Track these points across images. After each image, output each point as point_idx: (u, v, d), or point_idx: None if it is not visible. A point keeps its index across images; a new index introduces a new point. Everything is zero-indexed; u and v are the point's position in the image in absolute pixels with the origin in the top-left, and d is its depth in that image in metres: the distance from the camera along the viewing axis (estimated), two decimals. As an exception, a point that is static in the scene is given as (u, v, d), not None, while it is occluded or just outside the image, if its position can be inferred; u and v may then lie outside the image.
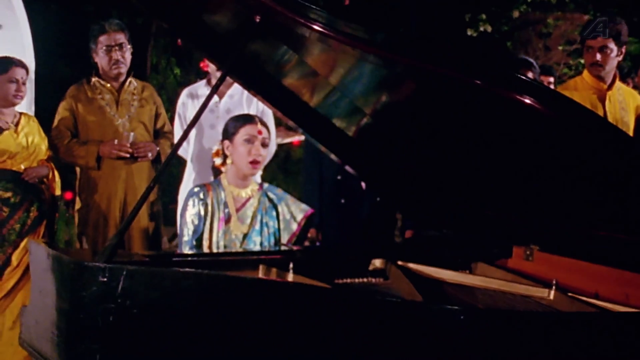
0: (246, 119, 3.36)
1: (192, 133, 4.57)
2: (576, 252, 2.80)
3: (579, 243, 2.75)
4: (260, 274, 2.79)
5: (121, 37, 4.30)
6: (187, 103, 4.65)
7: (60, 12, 8.07)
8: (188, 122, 4.55)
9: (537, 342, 1.97)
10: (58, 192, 4.20)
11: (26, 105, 4.45)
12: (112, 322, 2.32)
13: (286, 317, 2.18)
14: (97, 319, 2.34)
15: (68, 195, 5.05)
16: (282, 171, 9.16)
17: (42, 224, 4.10)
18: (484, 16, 10.09)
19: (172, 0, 2.84)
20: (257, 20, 2.59)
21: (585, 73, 4.37)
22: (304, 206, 3.41)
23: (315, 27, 2.43)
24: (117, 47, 4.28)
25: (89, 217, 4.31)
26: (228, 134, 3.33)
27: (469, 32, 10.21)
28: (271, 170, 8.79)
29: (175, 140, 4.61)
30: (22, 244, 3.98)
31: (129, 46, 4.35)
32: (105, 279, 2.32)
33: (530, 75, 5.04)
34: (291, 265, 2.71)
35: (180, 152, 4.66)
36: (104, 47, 4.27)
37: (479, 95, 2.35)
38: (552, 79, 5.60)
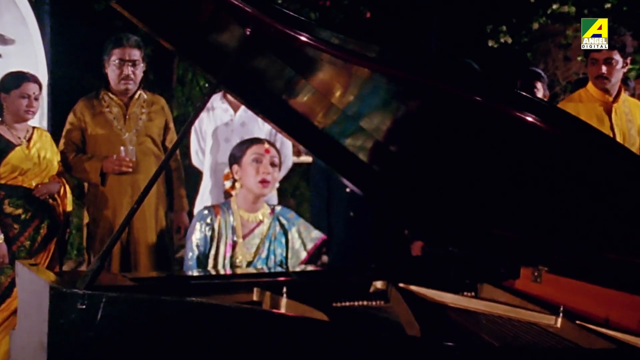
0: (252, 141, 3.33)
1: (208, 146, 4.53)
2: (586, 274, 2.70)
3: (590, 265, 2.66)
4: (255, 298, 2.68)
5: (136, 54, 4.21)
6: (203, 116, 4.54)
7: (87, 27, 8.04)
8: (204, 135, 4.54)
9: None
10: (69, 208, 4.17)
11: (37, 119, 4.45)
12: (91, 351, 2.24)
13: (270, 346, 2.13)
14: (76, 348, 2.25)
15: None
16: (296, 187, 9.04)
17: (52, 241, 4.05)
18: (504, 28, 10.16)
19: (164, 13, 2.76)
20: (248, 33, 2.50)
21: (590, 85, 4.27)
22: (315, 233, 3.31)
23: (302, 38, 2.35)
24: (130, 63, 4.19)
25: (97, 231, 4.25)
26: (235, 157, 3.28)
27: (490, 44, 10.27)
28: (295, 181, 8.71)
29: (192, 152, 4.64)
30: (33, 261, 3.97)
31: (142, 64, 4.26)
32: (84, 307, 2.23)
33: (539, 85, 5.12)
34: (284, 290, 2.59)
35: (196, 163, 4.65)
36: (117, 60, 4.18)
37: (487, 114, 2.27)
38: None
